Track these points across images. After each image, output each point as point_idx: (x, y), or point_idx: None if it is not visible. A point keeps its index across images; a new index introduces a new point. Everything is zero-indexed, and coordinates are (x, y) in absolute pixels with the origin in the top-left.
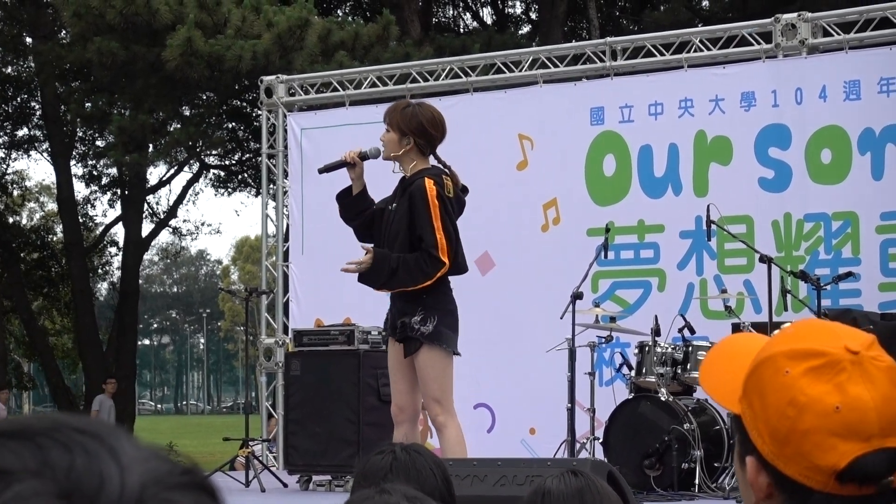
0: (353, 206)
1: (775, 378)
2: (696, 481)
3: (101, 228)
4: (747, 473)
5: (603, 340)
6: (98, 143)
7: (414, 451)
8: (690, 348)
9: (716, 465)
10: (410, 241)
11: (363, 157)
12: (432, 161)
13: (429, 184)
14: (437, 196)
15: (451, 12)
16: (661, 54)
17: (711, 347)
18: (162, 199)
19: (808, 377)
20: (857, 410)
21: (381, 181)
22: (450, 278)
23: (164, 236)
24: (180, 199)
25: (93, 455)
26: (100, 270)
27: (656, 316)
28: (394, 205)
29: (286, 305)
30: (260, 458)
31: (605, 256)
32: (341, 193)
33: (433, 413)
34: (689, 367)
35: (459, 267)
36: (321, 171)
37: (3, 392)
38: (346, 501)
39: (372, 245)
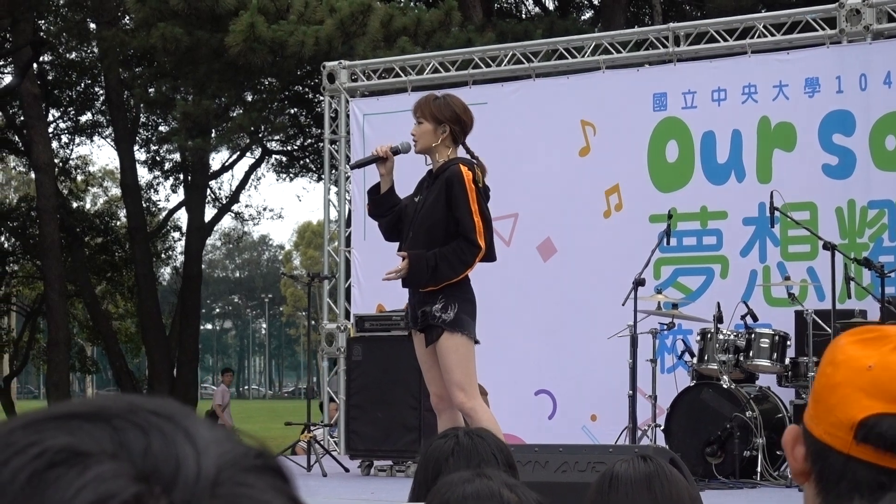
0: (383, 202)
1: (831, 348)
2: (758, 469)
3: (164, 213)
4: (784, 441)
5: (665, 327)
6: (161, 128)
7: (477, 436)
8: (753, 335)
9: (778, 452)
10: (446, 227)
11: (395, 151)
12: (461, 152)
13: (464, 169)
14: (473, 180)
15: None
16: (725, 40)
17: None
18: (224, 185)
19: (856, 344)
20: (889, 371)
21: (409, 178)
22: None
23: (227, 221)
24: (242, 184)
25: (169, 437)
26: (163, 255)
27: (718, 303)
28: (418, 197)
29: (348, 291)
30: (321, 443)
31: (668, 243)
32: (372, 189)
33: (458, 400)
34: (751, 354)
35: (491, 254)
36: (353, 166)
37: (227, 375)
38: (441, 480)
39: (405, 252)
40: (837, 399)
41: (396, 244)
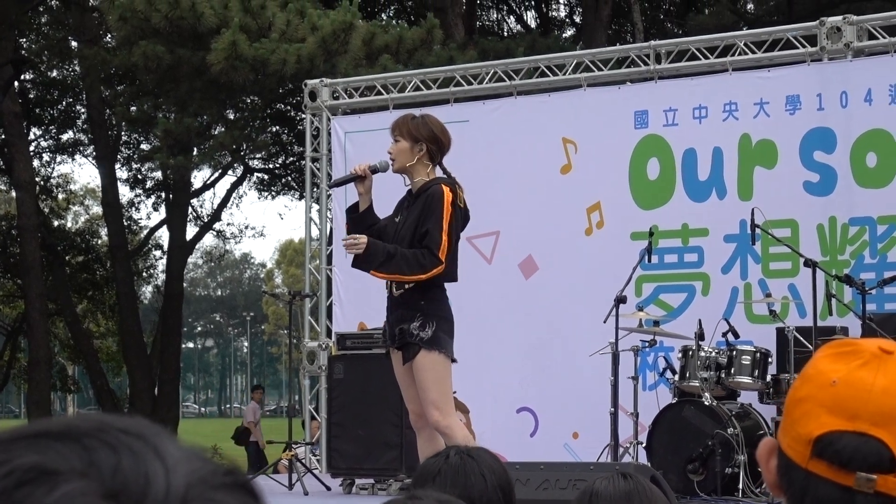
0: (362, 221)
1: (808, 362)
2: (740, 486)
3: (145, 232)
4: (759, 453)
5: (646, 344)
6: (143, 146)
7: (468, 456)
8: (734, 353)
9: (759, 469)
10: (413, 239)
11: (373, 170)
12: (438, 172)
13: (446, 189)
14: (452, 203)
15: (495, 16)
16: (706, 57)
17: None
18: (206, 203)
19: (829, 358)
20: (852, 388)
21: (390, 197)
22: (446, 286)
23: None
24: (224, 202)
25: (138, 455)
26: (144, 273)
27: (700, 320)
28: (398, 217)
29: (330, 309)
30: (303, 462)
31: (649, 260)
32: (350, 208)
33: (433, 419)
34: (732, 371)
35: (452, 275)
36: (331, 185)
37: (257, 392)
38: None
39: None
40: (800, 413)
41: None
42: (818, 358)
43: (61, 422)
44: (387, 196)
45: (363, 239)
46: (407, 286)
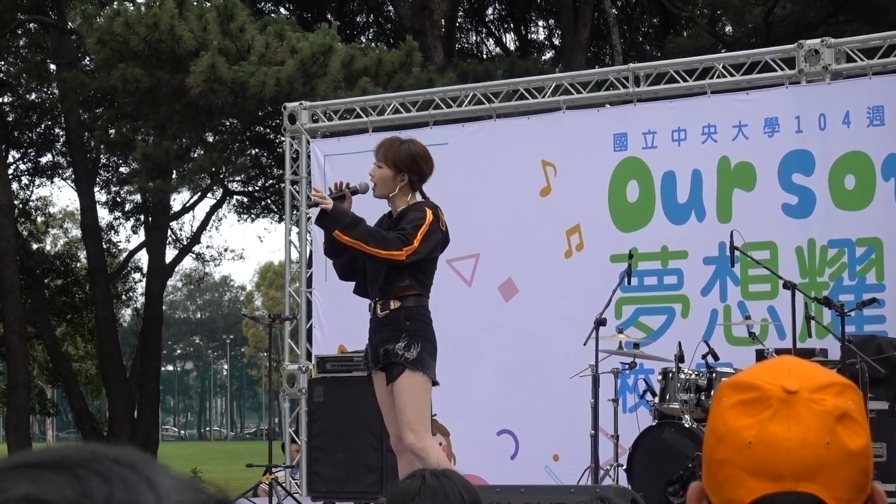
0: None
1: (715, 406)
2: None
3: (124, 254)
4: (689, 498)
5: (626, 367)
6: (122, 169)
7: (444, 476)
8: (714, 375)
9: None
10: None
11: (353, 191)
12: (418, 196)
13: (428, 211)
14: (431, 223)
15: (474, 38)
16: (685, 80)
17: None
18: (185, 226)
19: (736, 409)
20: (770, 448)
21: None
22: (431, 310)
23: (188, 262)
24: (204, 225)
25: (131, 486)
26: (123, 296)
27: (680, 342)
28: None
29: (309, 331)
30: (283, 485)
31: (629, 283)
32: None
33: (408, 441)
34: (712, 393)
35: (426, 290)
36: (311, 205)
37: None
38: None
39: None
40: (724, 477)
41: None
42: (725, 409)
43: (54, 452)
44: (368, 214)
45: (331, 199)
46: (392, 307)
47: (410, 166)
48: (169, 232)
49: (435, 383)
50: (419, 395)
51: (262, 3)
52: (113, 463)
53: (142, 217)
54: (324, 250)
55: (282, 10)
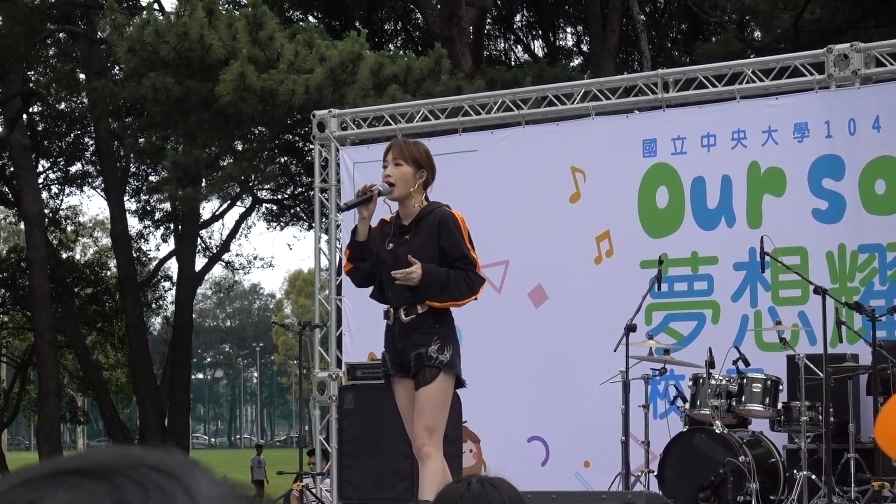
0: (366, 247)
1: None
2: None
3: (154, 263)
4: None
5: (657, 373)
6: (151, 178)
7: (489, 484)
8: (745, 380)
9: (771, 497)
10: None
11: (378, 193)
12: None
13: (453, 211)
14: (463, 221)
15: (503, 45)
16: (714, 86)
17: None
18: (215, 234)
19: None
20: None
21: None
22: (460, 317)
23: (218, 270)
24: (233, 233)
25: (168, 494)
26: (153, 305)
27: (710, 348)
28: (391, 245)
29: (339, 339)
30: (314, 492)
31: (659, 289)
32: (353, 230)
33: (420, 442)
34: (743, 399)
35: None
36: (342, 209)
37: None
38: None
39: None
40: None
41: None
42: None
43: (92, 458)
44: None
45: (417, 269)
46: (420, 311)
47: (428, 162)
48: (198, 240)
49: (463, 384)
50: (442, 400)
51: (291, 12)
52: (152, 470)
53: (171, 225)
54: (348, 256)
55: (310, 18)
